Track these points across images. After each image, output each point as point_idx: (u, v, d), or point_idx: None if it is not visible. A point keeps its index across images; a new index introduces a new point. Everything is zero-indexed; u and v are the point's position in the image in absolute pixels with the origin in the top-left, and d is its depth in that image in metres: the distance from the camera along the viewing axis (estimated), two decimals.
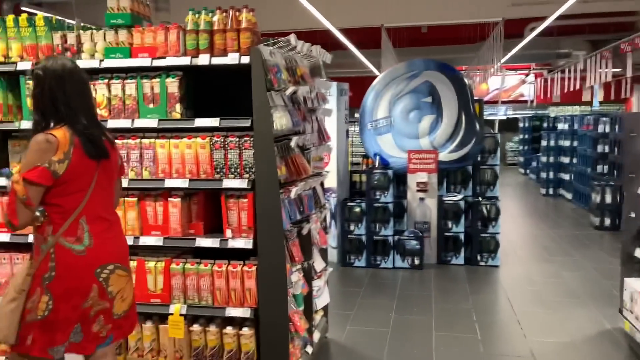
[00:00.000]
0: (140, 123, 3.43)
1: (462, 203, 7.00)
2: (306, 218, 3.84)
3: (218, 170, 3.40)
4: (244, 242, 3.37)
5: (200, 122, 3.36)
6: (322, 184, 4.26)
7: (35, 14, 3.47)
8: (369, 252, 6.97)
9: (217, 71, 3.59)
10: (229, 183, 3.35)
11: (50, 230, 2.45)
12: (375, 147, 7.27)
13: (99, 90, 3.50)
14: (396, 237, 6.91)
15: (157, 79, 3.44)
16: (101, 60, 3.43)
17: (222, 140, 3.38)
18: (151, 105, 3.46)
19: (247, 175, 3.37)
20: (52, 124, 2.49)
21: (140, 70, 3.47)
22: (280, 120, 3.30)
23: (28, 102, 3.55)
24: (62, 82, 2.48)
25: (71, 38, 3.47)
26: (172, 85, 3.42)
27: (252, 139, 3.34)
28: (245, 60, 3.27)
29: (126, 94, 3.48)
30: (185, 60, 3.34)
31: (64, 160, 2.40)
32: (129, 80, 3.48)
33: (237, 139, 3.37)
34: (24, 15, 3.47)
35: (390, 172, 6.88)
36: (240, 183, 3.33)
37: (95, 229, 2.51)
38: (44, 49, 3.50)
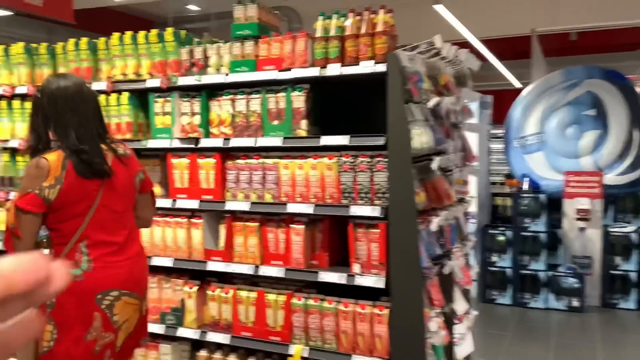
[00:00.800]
0: (263, 141, 3.14)
1: (633, 235, 5.80)
2: (447, 253, 3.23)
3: (346, 194, 2.97)
4: (374, 280, 2.88)
5: (327, 140, 2.96)
6: (465, 212, 3.63)
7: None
8: (515, 288, 6.05)
9: (347, 83, 3.18)
10: (357, 210, 2.90)
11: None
12: (523, 167, 6.35)
13: (224, 107, 3.28)
14: (550, 273, 5.91)
15: (283, 93, 3.13)
16: (226, 74, 3.21)
17: (352, 160, 2.95)
18: (275, 122, 3.15)
19: (379, 202, 2.89)
20: (48, 147, 2.31)
21: (265, 84, 3.18)
22: (420, 138, 2.77)
23: (156, 120, 3.47)
24: (54, 100, 2.27)
25: (198, 52, 3.30)
26: (298, 99, 3.08)
27: (386, 160, 2.86)
28: (381, 68, 2.81)
29: (250, 109, 3.22)
30: (313, 72, 2.98)
31: (55, 185, 2.19)
32: (253, 95, 3.21)
33: (369, 160, 2.91)
34: (154, 31, 3.40)
35: (542, 196, 5.93)
36: (371, 210, 2.86)
37: (97, 252, 2.30)
38: (172, 64, 3.38)
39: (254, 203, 3.21)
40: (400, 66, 2.77)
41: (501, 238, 6.08)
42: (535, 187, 6.24)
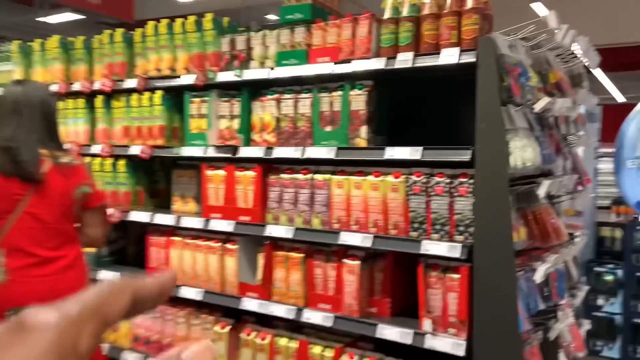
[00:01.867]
0: (313, 152, 2.48)
1: None
2: (553, 309, 2.40)
3: (416, 225, 2.24)
4: (450, 343, 2.12)
5: (393, 152, 2.25)
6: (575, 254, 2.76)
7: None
8: (626, 339, 4.95)
9: (423, 78, 2.46)
10: (431, 246, 2.16)
11: None
12: (638, 192, 5.24)
13: (267, 109, 2.67)
14: None
15: (339, 92, 2.46)
16: (272, 69, 2.60)
17: (425, 180, 2.22)
18: (328, 128, 2.49)
19: (460, 237, 2.13)
20: None
21: (318, 80, 2.54)
22: (522, 153, 2.00)
23: (190, 124, 2.92)
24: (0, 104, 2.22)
25: (240, 42, 2.73)
26: (358, 99, 2.40)
27: (472, 181, 2.11)
28: (469, 57, 2.07)
29: (298, 112, 2.58)
30: (378, 63, 2.30)
31: None
32: (303, 95, 2.58)
33: (448, 180, 2.17)
34: (191, 18, 2.87)
35: None
36: (450, 249, 2.11)
37: (14, 263, 2.10)
38: (211, 57, 2.83)
39: (299, 229, 2.55)
40: (497, 54, 2.02)
41: (609, 277, 5.00)
42: None
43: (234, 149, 2.74)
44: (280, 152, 2.59)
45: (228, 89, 2.86)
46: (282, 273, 2.63)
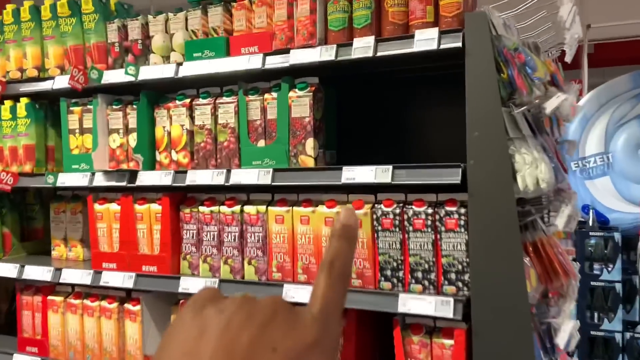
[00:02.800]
0: (241, 176, 1.81)
1: None
2: None
3: (388, 273, 1.63)
4: None
5: (354, 173, 1.64)
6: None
7: None
8: (582, 354, 4.67)
9: (388, 73, 1.89)
10: (412, 303, 1.56)
11: None
12: (584, 196, 5.02)
13: (176, 119, 1.97)
14: (627, 335, 4.53)
15: (274, 93, 1.82)
16: (178, 65, 1.90)
17: (398, 211, 1.62)
18: (261, 143, 1.84)
19: (451, 289, 1.55)
20: None
21: (245, 78, 1.88)
22: (534, 170, 1.45)
23: (70, 142, 2.15)
24: None
25: (135, 30, 2.00)
26: (300, 103, 1.77)
27: (463, 211, 1.54)
28: (453, 42, 1.51)
29: (220, 122, 1.90)
30: (326, 53, 1.68)
31: None
32: (224, 99, 1.90)
33: (431, 210, 1.59)
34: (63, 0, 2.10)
35: (616, 234, 4.59)
36: (439, 305, 1.52)
37: None
38: (94, 52, 2.08)
39: (226, 282, 1.87)
40: (492, 36, 1.47)
41: None
42: (601, 222, 4.90)
43: (131, 174, 2.01)
44: (196, 177, 1.89)
45: (120, 94, 2.12)
46: None
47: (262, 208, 1.83)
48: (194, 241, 1.96)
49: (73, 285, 2.21)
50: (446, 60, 1.60)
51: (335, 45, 1.66)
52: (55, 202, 2.35)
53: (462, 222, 1.55)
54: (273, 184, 1.76)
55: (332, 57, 1.66)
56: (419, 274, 1.59)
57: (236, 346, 0.31)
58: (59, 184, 2.11)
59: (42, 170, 2.23)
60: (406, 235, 1.61)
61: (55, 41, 2.14)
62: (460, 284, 1.55)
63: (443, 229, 1.57)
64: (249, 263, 1.85)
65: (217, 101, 1.91)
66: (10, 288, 2.78)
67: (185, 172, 1.91)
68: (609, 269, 4.91)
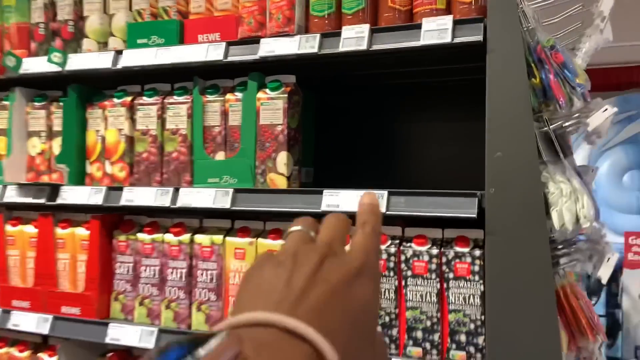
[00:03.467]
0: (192, 197, 1.41)
1: None
2: None
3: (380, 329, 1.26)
4: None
5: (338, 198, 1.27)
6: None
7: None
8: None
9: (377, 77, 1.54)
10: None
11: None
12: None
13: (111, 122, 1.56)
14: None
15: (238, 94, 1.44)
16: (118, 54, 1.50)
17: (393, 250, 1.25)
18: (220, 156, 1.45)
19: (459, 355, 1.19)
20: None
21: (201, 73, 1.50)
22: (576, 206, 1.11)
23: None
24: None
25: (65, 9, 1.59)
26: (272, 107, 1.39)
27: (478, 253, 1.19)
28: (472, 34, 1.17)
29: (168, 128, 1.50)
30: (307, 44, 1.31)
31: None
32: (175, 98, 1.51)
33: (435, 251, 1.23)
34: None
35: None
36: None
37: None
38: (13, 34, 1.65)
39: (166, 332, 1.45)
40: (523, 29, 1.14)
41: None
42: None
43: (53, 189, 1.58)
44: (134, 196, 1.48)
45: (44, 87, 1.70)
46: None
47: (218, 238, 1.43)
48: (130, 277, 1.54)
49: None
50: (458, 62, 1.26)
51: (318, 35, 1.30)
52: None
53: (476, 268, 1.19)
54: (233, 208, 1.37)
55: (315, 50, 1.29)
56: (418, 334, 1.22)
57: (295, 281, 0.36)
58: None
59: None
60: (403, 282, 1.24)
61: None
62: (472, 349, 1.19)
63: (451, 275, 1.21)
64: (198, 309, 1.44)
65: (165, 100, 1.52)
66: None
67: (121, 188, 1.50)
68: (593, 302, 4.64)
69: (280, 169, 1.38)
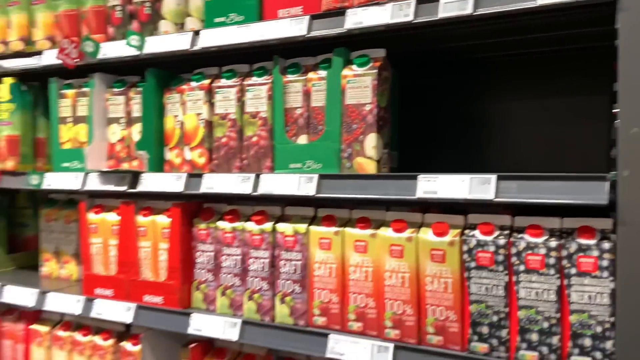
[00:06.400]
0: (274, 184, 1.33)
1: None
2: None
3: (482, 330, 1.13)
4: None
5: (436, 184, 1.14)
6: None
7: None
8: None
9: (471, 49, 1.39)
10: None
11: None
12: None
13: (190, 107, 1.50)
14: None
15: (321, 72, 1.33)
16: (195, 34, 1.44)
17: (503, 242, 1.11)
18: (302, 139, 1.36)
19: None
20: None
21: (282, 51, 1.40)
22: None
23: (61, 134, 1.71)
24: None
25: None
26: (359, 85, 1.28)
27: (607, 246, 1.02)
28: None
29: (247, 111, 1.43)
30: (400, 13, 1.18)
31: None
32: (254, 80, 1.43)
33: (554, 244, 1.07)
34: None
35: None
36: None
37: None
38: (90, 18, 1.63)
39: (251, 324, 1.39)
40: None
41: None
42: None
43: (134, 176, 1.55)
44: (214, 183, 1.42)
45: (124, 73, 1.67)
46: None
47: (302, 227, 1.35)
48: (211, 267, 1.49)
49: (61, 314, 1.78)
50: (574, 27, 1.09)
51: (413, 1, 1.16)
52: (46, 207, 1.92)
53: (604, 263, 1.03)
54: (318, 195, 1.27)
55: (409, 18, 1.16)
56: (533, 336, 1.08)
57: None
58: (44, 186, 1.68)
59: (29, 167, 1.80)
60: (514, 278, 1.10)
61: (45, 6, 1.70)
62: (598, 355, 1.03)
63: (573, 271, 1.05)
64: (282, 301, 1.36)
65: (244, 82, 1.44)
66: None
67: (201, 175, 1.44)
68: None
69: (368, 152, 1.27)
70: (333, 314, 1.30)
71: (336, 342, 1.27)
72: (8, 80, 1.77)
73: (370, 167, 1.27)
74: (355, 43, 1.31)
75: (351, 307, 1.28)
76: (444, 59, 1.58)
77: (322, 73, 1.33)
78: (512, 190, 1.07)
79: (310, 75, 1.35)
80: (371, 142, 1.26)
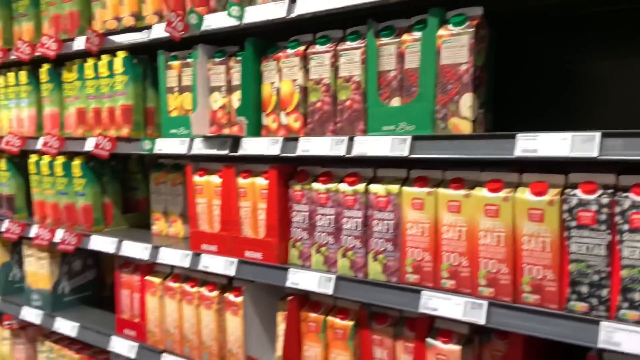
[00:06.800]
0: (367, 146, 1.38)
1: None
2: None
3: (582, 289, 1.12)
4: None
5: (536, 142, 1.13)
6: None
7: None
8: None
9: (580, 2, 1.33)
10: (619, 336, 1.04)
11: None
12: None
13: (285, 74, 1.57)
14: None
15: (416, 33, 1.34)
16: (291, 3, 1.49)
17: (606, 201, 1.08)
18: (395, 102, 1.38)
19: None
20: None
21: (376, 14, 1.42)
22: None
23: (169, 102, 1.86)
24: None
25: None
26: (455, 44, 1.27)
27: None
28: None
29: (341, 75, 1.47)
30: None
31: None
32: (347, 44, 1.46)
33: None
34: None
35: None
36: None
37: None
38: None
39: (345, 279, 1.47)
40: None
41: None
42: None
43: (234, 141, 1.66)
44: (310, 146, 1.49)
45: (223, 43, 1.77)
46: (317, 349, 1.55)
47: (394, 188, 1.39)
48: (306, 226, 1.58)
49: (172, 266, 1.96)
50: None
51: None
52: (155, 171, 2.11)
53: None
54: (412, 156, 1.30)
55: None
56: (636, 295, 1.06)
57: None
58: (156, 150, 1.84)
59: (140, 134, 1.98)
60: (618, 237, 1.07)
61: None
62: None
63: None
64: (375, 258, 1.42)
65: (338, 47, 1.48)
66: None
67: (297, 139, 1.52)
68: None
69: (464, 112, 1.27)
70: (426, 271, 1.34)
71: (428, 299, 1.31)
72: (121, 54, 1.94)
73: (466, 128, 1.27)
74: (450, 3, 1.30)
75: (444, 265, 1.31)
76: (543, 16, 1.52)
77: (417, 34, 1.34)
78: (617, 147, 1.04)
79: (405, 37, 1.36)
80: (467, 102, 1.26)
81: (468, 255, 1.27)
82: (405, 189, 1.37)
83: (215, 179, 1.76)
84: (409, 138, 1.31)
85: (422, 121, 1.33)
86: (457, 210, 1.28)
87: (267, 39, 1.67)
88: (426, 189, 1.34)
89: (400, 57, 1.37)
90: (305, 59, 1.55)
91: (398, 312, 1.47)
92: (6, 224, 2.41)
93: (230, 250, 1.72)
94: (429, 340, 1.35)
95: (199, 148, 1.74)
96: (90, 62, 2.04)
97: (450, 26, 1.29)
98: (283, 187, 1.61)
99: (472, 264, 1.27)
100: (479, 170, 1.30)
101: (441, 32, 1.29)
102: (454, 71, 1.28)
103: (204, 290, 1.82)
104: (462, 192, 1.28)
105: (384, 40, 1.40)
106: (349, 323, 1.49)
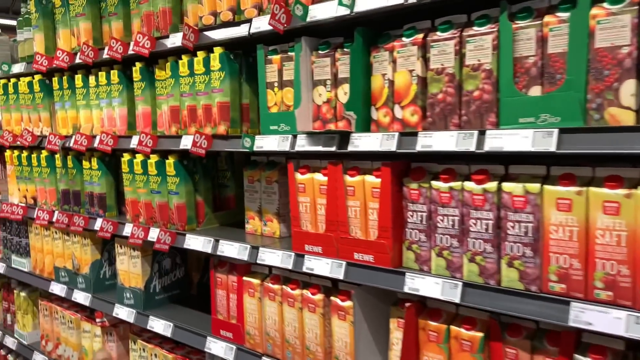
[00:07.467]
0: (500, 140, 1.25)
1: None
2: None
3: None
4: None
5: None
6: None
7: None
8: None
9: None
10: None
11: None
12: None
13: (401, 64, 1.46)
14: None
15: (562, 14, 1.20)
16: None
17: None
18: (535, 91, 1.24)
19: None
20: None
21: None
22: None
23: (268, 98, 1.79)
24: None
25: None
26: (614, 24, 1.13)
27: None
28: None
29: (468, 64, 1.34)
30: None
31: None
32: (475, 30, 1.33)
33: None
34: None
35: None
36: None
37: None
38: None
39: (473, 286, 1.35)
40: None
41: None
42: None
43: (342, 137, 1.57)
44: (432, 141, 1.38)
45: (328, 35, 1.68)
46: None
47: (534, 187, 1.25)
48: (424, 227, 1.46)
49: (270, 267, 1.90)
50: None
51: None
52: (249, 169, 2.05)
53: None
54: (560, 151, 1.16)
55: None
56: None
57: None
58: (256, 148, 1.78)
59: (237, 132, 1.93)
60: None
61: None
62: None
63: None
64: (510, 265, 1.29)
65: (464, 33, 1.35)
66: (202, 257, 2.64)
67: (416, 134, 1.41)
68: None
69: (625, 101, 1.12)
70: (573, 280, 1.20)
71: (580, 312, 1.17)
72: (218, 50, 1.89)
73: (627, 118, 1.12)
74: None
75: (598, 274, 1.17)
76: None
77: (563, 15, 1.20)
78: None
79: (547, 19, 1.22)
80: (629, 89, 1.11)
81: (629, 263, 1.12)
82: (548, 187, 1.23)
83: (320, 177, 1.68)
84: (555, 131, 1.17)
85: (570, 112, 1.18)
86: (616, 212, 1.14)
87: (378, 27, 1.56)
88: (575, 188, 1.20)
89: (542, 41, 1.23)
90: (424, 47, 1.43)
91: (534, 323, 1.34)
92: (99, 222, 2.43)
93: (337, 252, 1.63)
94: (578, 357, 1.21)
95: (303, 145, 1.66)
96: (184, 59, 2.01)
97: (606, 4, 1.14)
98: (396, 186, 1.51)
99: (634, 273, 1.12)
100: (630, 166, 1.15)
101: (595, 11, 1.14)
102: (612, 55, 1.12)
103: (307, 293, 1.75)
104: (621, 191, 1.13)
105: (521, 23, 1.26)
106: (478, 334, 1.37)
